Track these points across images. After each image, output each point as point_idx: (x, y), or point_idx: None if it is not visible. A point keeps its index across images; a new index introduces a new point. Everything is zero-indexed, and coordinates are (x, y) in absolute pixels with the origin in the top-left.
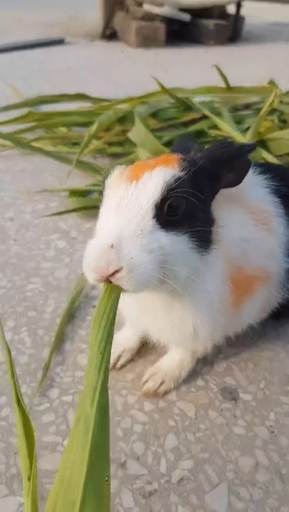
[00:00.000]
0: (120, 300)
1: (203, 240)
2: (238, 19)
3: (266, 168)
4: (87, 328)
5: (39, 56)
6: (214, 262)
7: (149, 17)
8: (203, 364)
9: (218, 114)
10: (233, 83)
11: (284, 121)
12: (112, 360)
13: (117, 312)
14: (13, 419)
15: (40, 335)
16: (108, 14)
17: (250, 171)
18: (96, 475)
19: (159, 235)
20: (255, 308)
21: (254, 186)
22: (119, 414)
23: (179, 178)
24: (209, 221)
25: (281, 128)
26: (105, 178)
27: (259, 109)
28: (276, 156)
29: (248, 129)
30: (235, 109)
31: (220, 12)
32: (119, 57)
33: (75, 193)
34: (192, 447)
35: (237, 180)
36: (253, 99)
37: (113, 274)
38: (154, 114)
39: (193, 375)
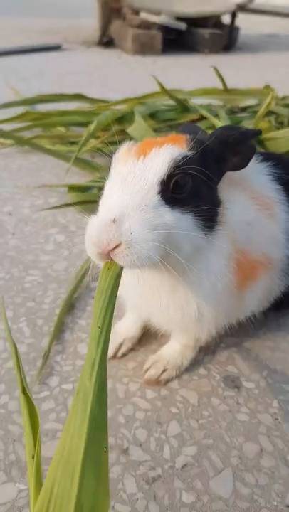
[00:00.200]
0: (121, 284)
1: (208, 220)
2: (232, 29)
3: (268, 157)
4: (87, 319)
5: (37, 61)
6: (218, 243)
7: (146, 25)
8: (204, 353)
9: (216, 115)
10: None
11: (281, 123)
12: (112, 350)
13: (118, 296)
14: (12, 407)
15: (39, 325)
16: (105, 22)
17: (253, 158)
18: (95, 445)
19: (163, 211)
20: (258, 295)
21: (257, 173)
22: (120, 401)
23: (186, 156)
24: (216, 202)
25: (278, 129)
26: (113, 152)
27: (256, 112)
28: None
29: None
30: (232, 112)
31: (215, 22)
32: (116, 63)
33: (74, 188)
34: (195, 434)
35: (242, 164)
36: (250, 102)
37: (114, 249)
38: (153, 115)
39: (195, 364)
